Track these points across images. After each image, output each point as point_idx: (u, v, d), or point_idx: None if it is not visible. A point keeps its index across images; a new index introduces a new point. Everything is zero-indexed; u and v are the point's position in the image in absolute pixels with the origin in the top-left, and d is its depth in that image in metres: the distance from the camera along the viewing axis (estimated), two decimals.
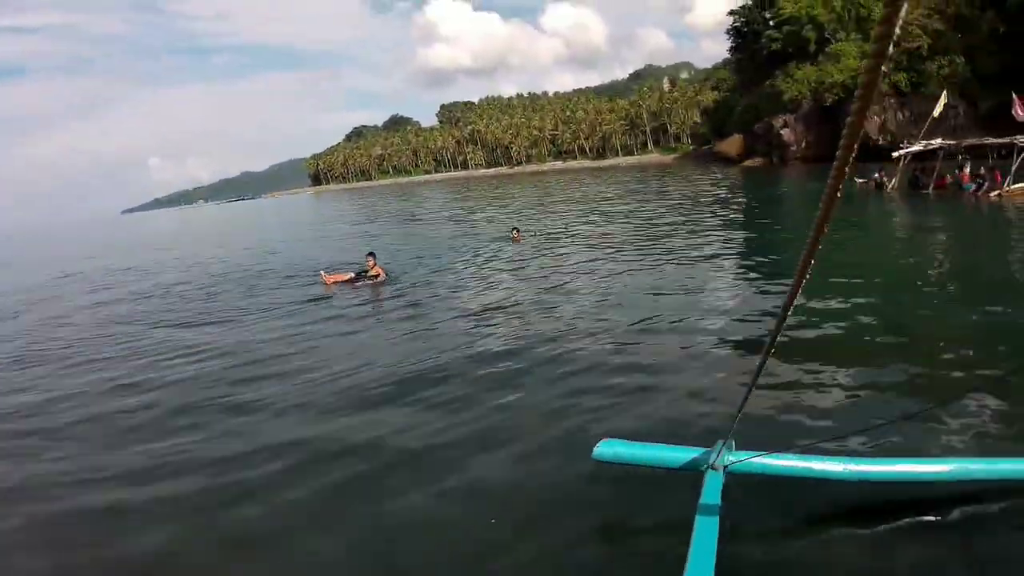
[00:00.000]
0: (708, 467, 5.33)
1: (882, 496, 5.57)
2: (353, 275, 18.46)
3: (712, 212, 32.96)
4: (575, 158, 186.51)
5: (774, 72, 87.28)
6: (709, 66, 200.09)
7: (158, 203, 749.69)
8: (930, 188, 31.05)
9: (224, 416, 9.34)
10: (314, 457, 7.74)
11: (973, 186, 28.65)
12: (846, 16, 79.92)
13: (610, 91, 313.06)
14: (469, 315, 14.18)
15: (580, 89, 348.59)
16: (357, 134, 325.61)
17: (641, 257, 19.99)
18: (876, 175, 35.19)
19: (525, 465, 7.03)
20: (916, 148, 32.20)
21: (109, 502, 7.19)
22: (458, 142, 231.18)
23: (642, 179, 76.31)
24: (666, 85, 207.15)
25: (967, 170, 30.48)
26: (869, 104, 1.60)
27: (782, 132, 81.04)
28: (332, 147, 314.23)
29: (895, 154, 33.47)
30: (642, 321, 12.41)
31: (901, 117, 70.85)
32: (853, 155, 1.70)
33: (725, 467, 5.33)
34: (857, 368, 8.93)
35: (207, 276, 25.62)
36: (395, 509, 6.41)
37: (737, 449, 5.54)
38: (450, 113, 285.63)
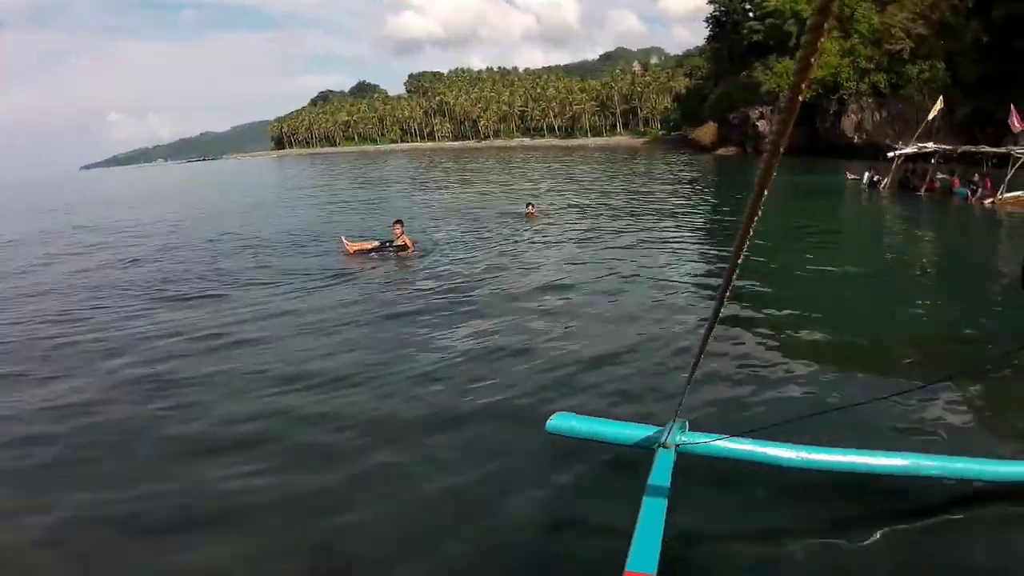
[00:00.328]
0: (659, 446, 5.34)
1: (831, 485, 5.65)
2: (378, 243, 17.46)
3: (687, 197, 34.32)
4: (543, 136, 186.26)
5: (751, 63, 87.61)
6: (680, 52, 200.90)
7: (116, 160, 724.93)
8: (922, 190, 31.61)
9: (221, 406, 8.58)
10: (272, 428, 7.77)
11: (966, 191, 29.06)
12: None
13: (580, 71, 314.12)
14: (509, 298, 13.43)
15: (550, 67, 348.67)
16: (323, 99, 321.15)
17: (617, 236, 20.58)
18: (869, 173, 35.79)
19: (479, 437, 7.13)
20: (911, 150, 32.76)
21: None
22: (426, 112, 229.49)
23: (620, 160, 77.27)
24: (636, 68, 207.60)
25: (957, 175, 31.24)
26: (797, 107, 1.66)
27: (758, 123, 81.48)
28: (297, 111, 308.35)
29: (890, 154, 34.20)
30: (608, 298, 12.93)
31: (878, 117, 71.80)
32: (781, 150, 1.82)
33: (676, 446, 5.34)
34: (818, 358, 9.12)
35: (208, 244, 23.21)
36: (338, 487, 6.38)
37: (692, 431, 5.58)
38: (418, 83, 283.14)
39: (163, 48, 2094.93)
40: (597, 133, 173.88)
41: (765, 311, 11.77)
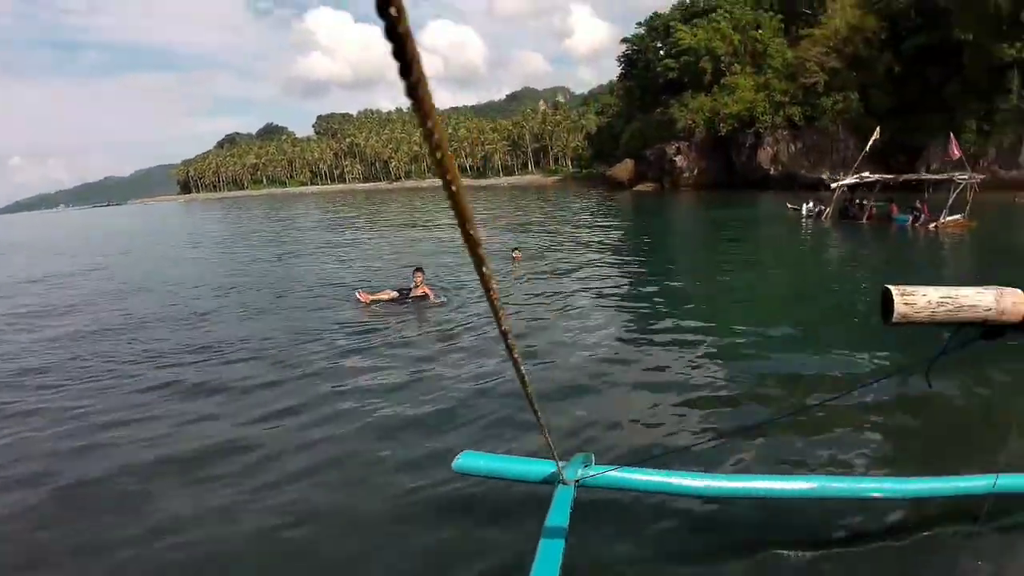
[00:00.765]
0: (558, 481, 5.17)
1: (735, 511, 5.82)
2: (396, 293, 16.30)
3: (603, 232, 35.27)
4: None
5: (664, 100, 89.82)
6: (586, 91, 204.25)
7: (19, 206, 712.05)
8: (864, 219, 32.38)
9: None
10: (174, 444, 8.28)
11: (908, 218, 30.03)
12: (742, 50, 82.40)
13: (487, 111, 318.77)
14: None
15: (457, 107, 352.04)
16: (230, 141, 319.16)
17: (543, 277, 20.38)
18: (808, 204, 36.19)
19: (387, 476, 7.16)
20: (852, 180, 33.39)
21: None
22: (336, 154, 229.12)
23: (537, 198, 78.09)
24: (542, 107, 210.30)
25: (895, 203, 32.27)
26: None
27: (675, 159, 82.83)
28: (203, 154, 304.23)
29: (833, 185, 34.79)
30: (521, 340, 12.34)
31: (793, 149, 73.67)
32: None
33: (576, 481, 5.17)
34: (725, 386, 9.40)
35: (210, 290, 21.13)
36: (239, 529, 6.37)
37: (598, 463, 5.45)
38: (327, 124, 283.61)
39: (65, 90, 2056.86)
40: (509, 172, 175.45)
41: (676, 340, 12.00)
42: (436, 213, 56.30)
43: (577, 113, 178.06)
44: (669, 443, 7.35)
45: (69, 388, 11.23)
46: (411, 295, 16.12)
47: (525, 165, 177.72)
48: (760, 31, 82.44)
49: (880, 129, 37.76)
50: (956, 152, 32.12)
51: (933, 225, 28.09)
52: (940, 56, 63.09)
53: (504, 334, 2.32)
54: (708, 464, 6.48)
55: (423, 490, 6.73)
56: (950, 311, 3.00)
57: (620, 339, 12.35)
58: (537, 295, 16.97)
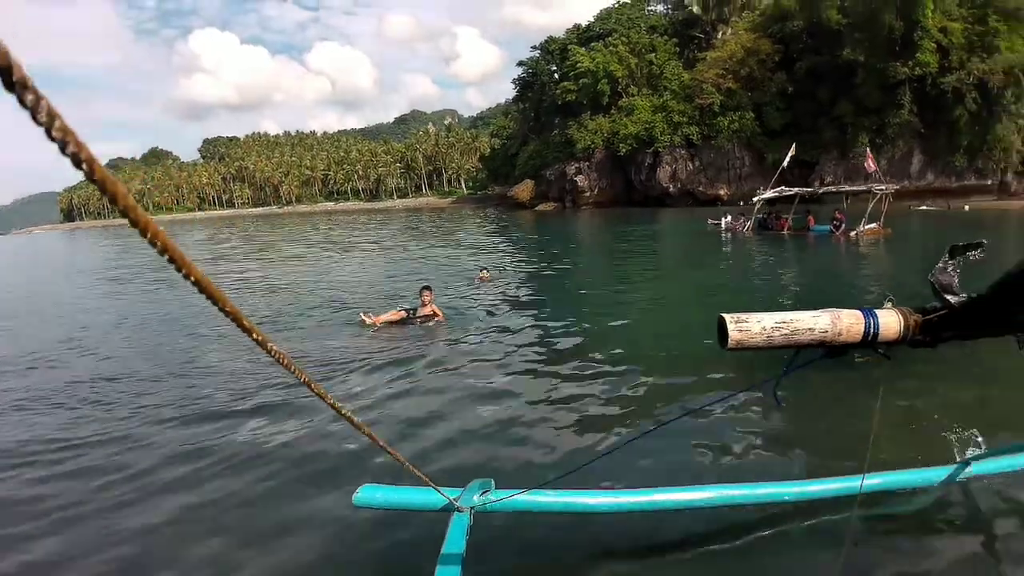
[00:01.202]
0: (454, 509, 5.03)
1: (643, 526, 5.81)
2: (404, 313, 15.44)
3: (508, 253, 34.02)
4: (348, 199, 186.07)
5: (561, 121, 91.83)
6: (474, 114, 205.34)
7: None
8: (784, 230, 33.08)
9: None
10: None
11: (827, 228, 31.08)
12: (639, 72, 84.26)
13: (375, 133, 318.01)
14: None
15: (345, 130, 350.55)
16: (114, 167, 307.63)
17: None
18: (728, 218, 36.92)
19: (289, 512, 6.85)
20: (771, 194, 34.20)
21: None
22: (224, 179, 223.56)
23: (437, 220, 76.72)
24: (431, 130, 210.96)
25: (812, 214, 33.35)
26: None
27: (576, 179, 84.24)
28: (85, 181, 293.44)
29: (753, 199, 35.59)
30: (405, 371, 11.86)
31: (691, 167, 75.82)
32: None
33: (471, 508, 5.03)
34: (620, 401, 9.34)
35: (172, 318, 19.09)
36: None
37: (499, 488, 5.29)
38: (214, 148, 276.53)
39: None
40: (403, 195, 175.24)
41: (572, 360, 11.72)
42: (357, 234, 55.84)
43: (470, 135, 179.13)
44: (568, 463, 7.14)
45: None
46: (418, 315, 15.48)
47: (419, 187, 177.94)
48: (655, 54, 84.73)
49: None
50: (872, 165, 33.43)
51: (854, 233, 29.29)
52: (830, 76, 66.14)
53: (307, 384, 2.23)
54: (607, 480, 6.55)
55: (324, 526, 6.55)
56: (786, 335, 3.07)
57: (524, 359, 12.18)
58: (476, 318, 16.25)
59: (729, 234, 35.25)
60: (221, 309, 1.62)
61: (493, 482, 5.27)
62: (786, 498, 5.56)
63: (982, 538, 5.73)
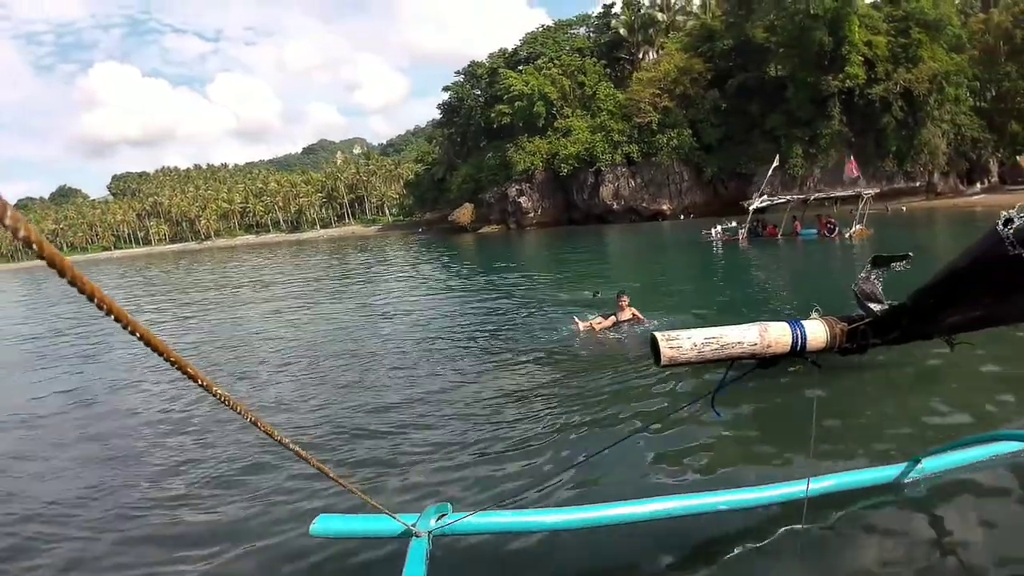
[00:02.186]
0: (412, 535, 5.05)
1: (601, 542, 5.83)
2: (614, 318, 15.20)
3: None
4: (268, 231, 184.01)
5: (491, 144, 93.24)
6: (384, 141, 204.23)
7: None
8: (778, 236, 34.90)
9: None
10: None
11: (814, 232, 33.27)
12: (572, 94, 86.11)
13: (285, 164, 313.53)
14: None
15: (253, 162, 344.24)
16: (23, 207, 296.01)
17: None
18: (718, 228, 38.28)
19: (244, 544, 6.81)
20: (762, 203, 35.45)
21: None
22: (139, 215, 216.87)
23: (372, 249, 73.30)
24: (340, 158, 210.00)
25: (798, 220, 35.28)
26: None
27: (520, 200, 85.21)
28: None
29: (748, 206, 36.32)
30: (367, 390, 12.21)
31: (633, 184, 77.69)
32: None
33: (429, 532, 5.05)
34: (572, 417, 9.39)
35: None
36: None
37: (456, 511, 5.31)
38: (124, 184, 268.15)
39: None
40: (325, 224, 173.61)
41: (523, 380, 11.69)
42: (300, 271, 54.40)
43: (392, 162, 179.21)
44: (525, 483, 7.33)
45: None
46: (621, 319, 15.22)
47: (341, 216, 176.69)
48: (586, 76, 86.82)
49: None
50: (855, 172, 35.39)
51: (848, 234, 31.21)
52: (761, 91, 69.33)
53: (254, 423, 2.41)
54: (565, 498, 6.57)
55: (280, 557, 6.51)
56: (716, 350, 3.10)
57: (476, 382, 11.97)
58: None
59: (719, 244, 36.47)
60: (166, 359, 1.76)
61: (450, 506, 5.25)
62: (734, 506, 5.70)
63: (934, 535, 5.82)
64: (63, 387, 15.41)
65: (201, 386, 1.95)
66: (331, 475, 3.55)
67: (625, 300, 15.23)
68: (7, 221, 0.99)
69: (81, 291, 1.26)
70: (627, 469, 7.36)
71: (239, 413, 2.30)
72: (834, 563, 5.53)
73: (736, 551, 5.60)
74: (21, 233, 1.06)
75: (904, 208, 53.32)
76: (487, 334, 16.09)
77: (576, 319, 15.69)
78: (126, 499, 8.19)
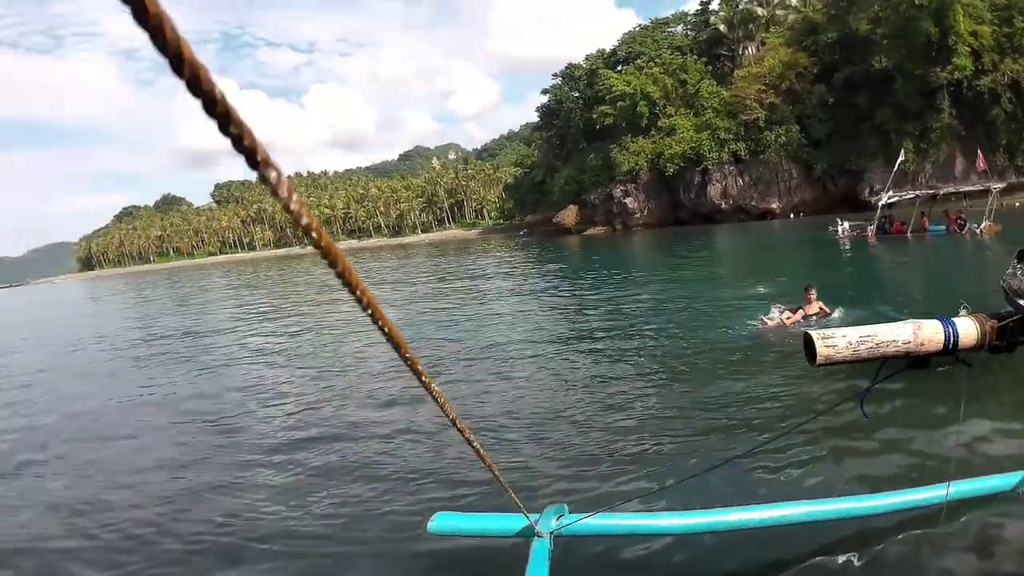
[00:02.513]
0: (534, 535, 5.06)
1: (728, 547, 5.75)
2: (802, 312, 15.11)
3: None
4: (370, 236, 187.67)
5: (592, 146, 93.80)
6: (478, 147, 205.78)
7: None
8: (907, 233, 34.65)
9: None
10: None
11: (943, 228, 33.19)
12: (674, 93, 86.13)
13: (382, 170, 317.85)
14: None
15: (352, 169, 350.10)
16: (128, 214, 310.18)
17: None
18: (845, 224, 38.21)
19: (363, 543, 6.94)
20: (892, 198, 35.56)
21: None
22: (243, 222, 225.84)
23: (479, 252, 72.62)
24: (436, 164, 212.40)
25: (926, 216, 35.13)
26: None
27: (626, 201, 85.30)
28: (103, 228, 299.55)
29: (877, 202, 36.59)
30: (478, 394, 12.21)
31: (741, 182, 77.27)
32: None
33: (551, 533, 5.05)
34: (688, 419, 9.31)
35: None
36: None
37: (573, 512, 5.28)
38: (226, 192, 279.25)
39: None
40: (426, 229, 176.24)
41: (651, 379, 11.72)
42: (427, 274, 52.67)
43: (491, 166, 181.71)
44: (641, 485, 7.23)
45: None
46: (808, 313, 15.14)
47: (442, 221, 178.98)
48: (688, 74, 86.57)
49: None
50: (982, 165, 35.29)
51: (979, 230, 31.00)
52: (868, 84, 68.41)
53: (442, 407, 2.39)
54: (682, 502, 6.29)
55: (398, 555, 6.62)
56: (871, 348, 3.09)
57: (568, 387, 11.97)
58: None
59: (847, 240, 36.57)
60: (402, 356, 1.85)
61: (567, 507, 5.25)
62: (871, 511, 5.52)
63: None
64: (209, 384, 16.22)
65: (422, 384, 2.08)
66: (492, 468, 3.61)
67: (812, 293, 15.11)
68: (293, 206, 1.06)
69: (346, 283, 1.37)
70: (765, 474, 7.24)
71: (446, 413, 2.45)
72: (973, 570, 5.40)
73: (869, 558, 5.50)
74: (304, 220, 1.12)
75: (1017, 204, 52.08)
76: (650, 333, 15.89)
77: (763, 316, 15.50)
78: (249, 495, 8.52)
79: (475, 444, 2.98)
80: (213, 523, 7.72)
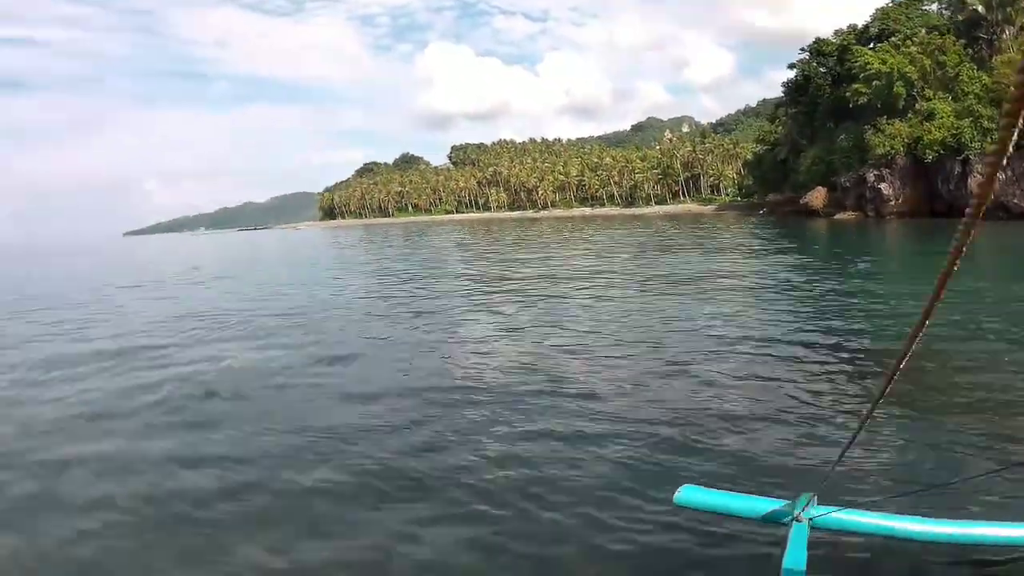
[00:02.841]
0: (793, 519, 5.10)
1: (974, 559, 5.45)
2: None
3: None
4: (603, 205, 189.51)
5: (842, 126, 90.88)
6: (713, 120, 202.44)
7: (159, 228, 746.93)
8: None
9: None
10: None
11: None
12: (932, 75, 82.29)
13: (614, 140, 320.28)
14: None
15: (584, 137, 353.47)
16: (368, 170, 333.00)
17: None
18: None
19: (608, 505, 7.14)
20: None
21: None
22: (480, 183, 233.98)
23: (738, 229, 71.74)
24: (667, 136, 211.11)
25: None
26: (998, 168, 1.65)
27: (880, 186, 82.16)
28: (345, 181, 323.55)
29: None
30: (743, 371, 12.64)
31: (1004, 177, 72.69)
32: (981, 215, 1.75)
33: (810, 520, 5.08)
34: (956, 421, 8.91)
35: None
36: (462, 550, 6.83)
37: (819, 504, 5.29)
38: (463, 154, 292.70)
39: (197, 117, 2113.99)
40: (660, 201, 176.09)
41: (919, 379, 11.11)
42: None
43: (730, 141, 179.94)
44: (897, 485, 6.93)
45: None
46: None
47: (676, 194, 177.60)
48: (946, 56, 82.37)
49: None
50: None
51: None
52: None
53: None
54: (936, 509, 5.80)
55: (644, 522, 6.72)
56: None
57: (833, 373, 12.18)
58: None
59: None
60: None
61: (816, 496, 5.25)
62: None
63: None
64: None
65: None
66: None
67: None
68: None
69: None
70: None
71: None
72: None
73: None
74: None
75: None
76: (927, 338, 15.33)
77: None
78: (488, 452, 9.16)
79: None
80: (471, 465, 8.73)
